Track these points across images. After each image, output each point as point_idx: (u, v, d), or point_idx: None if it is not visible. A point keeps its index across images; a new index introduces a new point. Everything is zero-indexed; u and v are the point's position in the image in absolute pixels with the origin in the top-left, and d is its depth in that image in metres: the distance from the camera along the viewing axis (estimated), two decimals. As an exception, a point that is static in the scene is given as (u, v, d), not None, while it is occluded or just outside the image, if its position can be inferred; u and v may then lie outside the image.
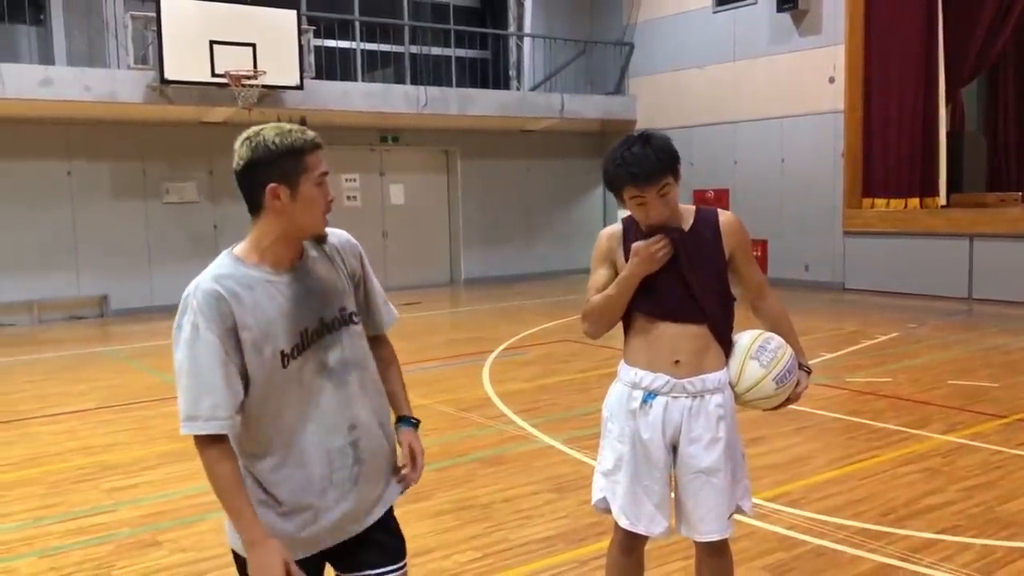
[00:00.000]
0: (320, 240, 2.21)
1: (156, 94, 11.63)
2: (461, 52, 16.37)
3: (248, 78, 11.67)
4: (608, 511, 2.89)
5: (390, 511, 2.35)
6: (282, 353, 2.11)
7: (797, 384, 2.81)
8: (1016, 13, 13.03)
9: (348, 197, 15.01)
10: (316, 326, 2.17)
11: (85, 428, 6.58)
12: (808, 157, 14.06)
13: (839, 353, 8.64)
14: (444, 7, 16.54)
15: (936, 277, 12.54)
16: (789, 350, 2.79)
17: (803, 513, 4.38)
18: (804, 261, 14.26)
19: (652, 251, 2.67)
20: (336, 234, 2.31)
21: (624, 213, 2.86)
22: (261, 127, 2.12)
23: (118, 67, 12.32)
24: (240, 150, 2.09)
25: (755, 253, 14.95)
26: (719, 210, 2.87)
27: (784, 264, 14.51)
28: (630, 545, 2.90)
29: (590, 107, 16.25)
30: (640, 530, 2.79)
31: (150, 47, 11.65)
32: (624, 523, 2.81)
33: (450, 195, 16.33)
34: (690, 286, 2.71)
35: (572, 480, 5.01)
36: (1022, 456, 5.22)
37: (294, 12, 12.40)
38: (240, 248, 2.16)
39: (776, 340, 2.80)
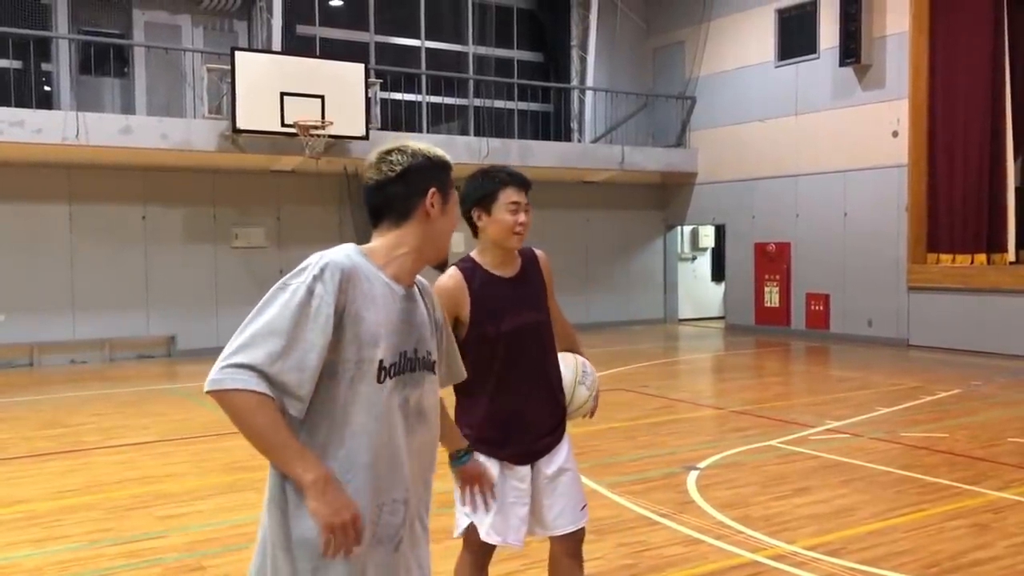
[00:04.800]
0: (440, 267, 2.22)
1: (228, 143, 12.13)
2: (524, 105, 16.71)
3: (316, 128, 12.11)
4: (467, 534, 3.03)
5: None
6: (380, 364, 1.96)
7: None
8: (1088, 67, 12.82)
9: (410, 245, 15.30)
10: (412, 355, 2.05)
11: (144, 459, 6.81)
12: (871, 211, 13.90)
13: (896, 408, 8.46)
14: (508, 61, 16.94)
15: (1004, 335, 12.19)
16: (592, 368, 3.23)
17: (842, 563, 4.30)
18: (867, 316, 14.01)
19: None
20: (423, 281, 2.22)
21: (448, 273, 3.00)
22: (404, 143, 2.11)
23: (194, 116, 12.91)
24: (394, 157, 2.05)
25: (818, 308, 14.97)
26: (533, 248, 3.17)
27: (847, 319, 14.29)
28: (483, 563, 3.12)
29: (651, 159, 16.37)
30: (511, 541, 2.99)
31: (224, 98, 12.20)
32: (495, 539, 2.98)
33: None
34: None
35: (611, 523, 5.01)
36: (1079, 515, 5.05)
37: (362, 66, 12.87)
38: (366, 247, 2.06)
39: (588, 363, 3.21)
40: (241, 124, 11.82)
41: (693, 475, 6.05)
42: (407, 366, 2.03)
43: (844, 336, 14.19)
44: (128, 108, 13.24)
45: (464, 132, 15.89)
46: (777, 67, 15.30)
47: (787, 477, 6.01)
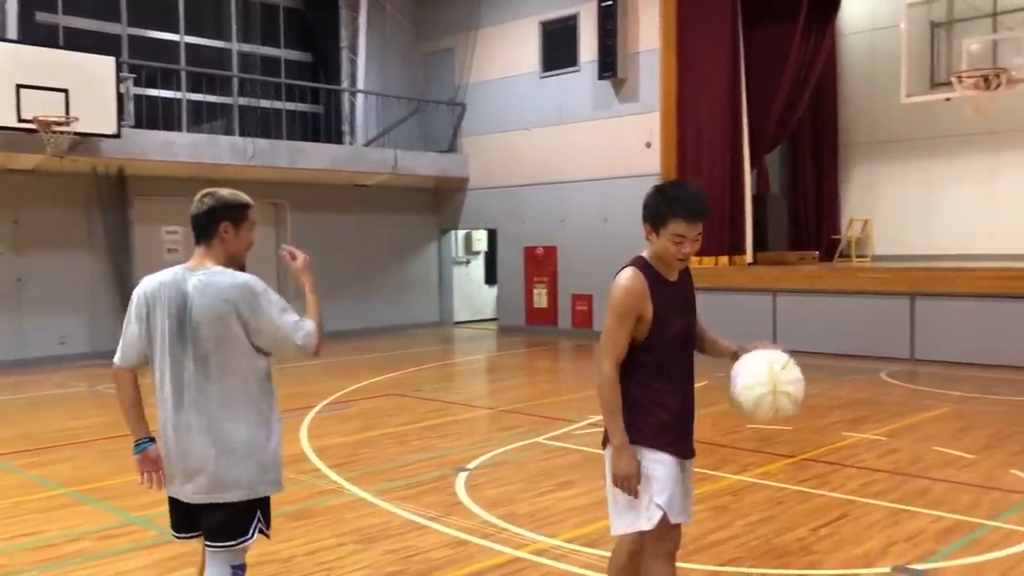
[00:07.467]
0: (241, 268, 3.12)
1: (-45, 138, 10.92)
2: (292, 105, 16.29)
3: (59, 124, 11.16)
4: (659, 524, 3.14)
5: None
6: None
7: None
8: (811, 88, 14.33)
9: (169, 250, 14.45)
10: None
11: None
12: (629, 217, 14.54)
13: (652, 401, 9.02)
14: (275, 60, 16.46)
15: (744, 329, 13.16)
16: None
17: (599, 552, 4.53)
18: (627, 315, 14.83)
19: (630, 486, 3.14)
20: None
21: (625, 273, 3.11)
22: (216, 190, 3.10)
23: (-88, 108, 11.50)
24: (206, 199, 3.05)
25: (583, 308, 15.64)
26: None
27: (609, 318, 15.06)
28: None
29: (423, 164, 16.48)
30: (687, 521, 3.32)
31: (-51, 88, 10.97)
32: (685, 520, 3.27)
33: (279, 249, 16.03)
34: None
35: (379, 531, 4.99)
36: (801, 492, 5.62)
37: (112, 59, 12.02)
38: (210, 261, 3.08)
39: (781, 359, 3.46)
40: (-30, 118, 10.69)
41: (462, 476, 6.15)
42: None
43: (607, 334, 14.96)
44: None
45: (228, 132, 15.25)
46: (542, 77, 15.89)
47: (551, 472, 6.25)
